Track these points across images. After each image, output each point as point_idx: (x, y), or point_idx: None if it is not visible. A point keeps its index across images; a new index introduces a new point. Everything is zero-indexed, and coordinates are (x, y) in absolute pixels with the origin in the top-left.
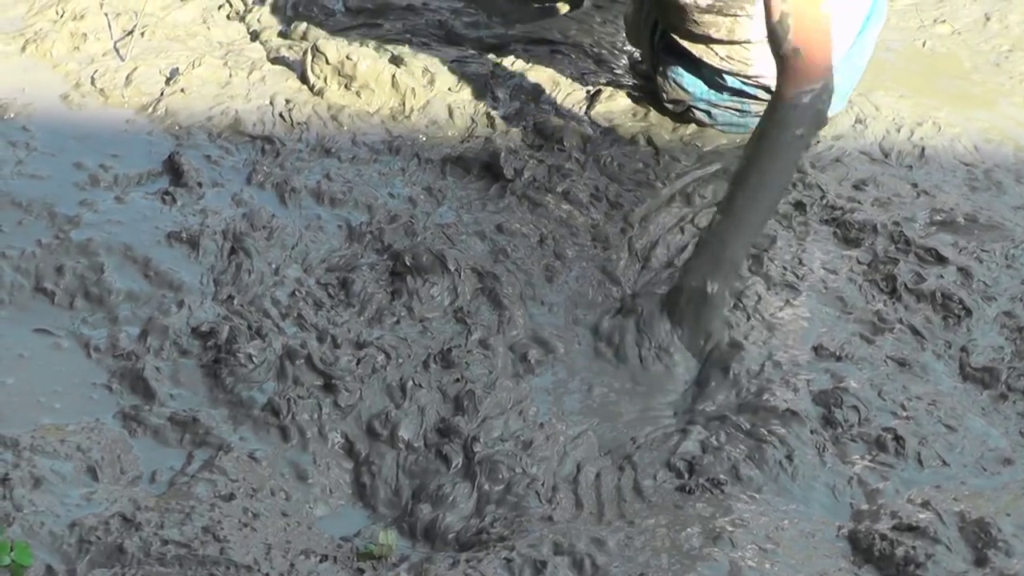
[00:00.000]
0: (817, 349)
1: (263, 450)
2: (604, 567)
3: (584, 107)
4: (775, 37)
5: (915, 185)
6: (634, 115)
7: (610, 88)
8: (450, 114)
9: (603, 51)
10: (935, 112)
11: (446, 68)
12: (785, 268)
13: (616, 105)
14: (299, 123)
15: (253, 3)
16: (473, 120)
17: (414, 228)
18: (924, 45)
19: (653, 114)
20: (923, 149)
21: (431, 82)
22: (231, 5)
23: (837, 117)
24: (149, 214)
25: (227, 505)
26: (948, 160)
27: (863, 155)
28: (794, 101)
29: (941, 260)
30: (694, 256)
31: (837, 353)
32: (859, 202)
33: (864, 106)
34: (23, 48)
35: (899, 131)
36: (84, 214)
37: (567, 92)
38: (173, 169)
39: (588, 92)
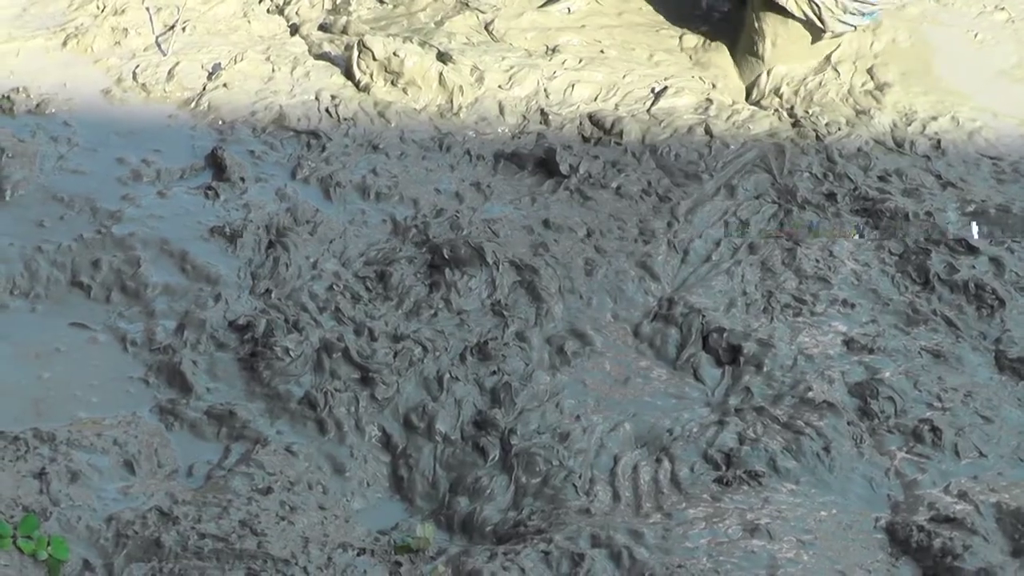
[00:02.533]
0: (850, 342)
1: (300, 443)
2: (642, 559)
3: (647, 102)
4: None
5: (939, 176)
6: (696, 109)
7: (676, 86)
8: (501, 111)
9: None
10: (959, 105)
11: (495, 65)
12: (818, 260)
13: (680, 100)
14: (346, 119)
15: None
16: (525, 117)
17: (459, 223)
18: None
19: (714, 106)
20: (939, 141)
21: (480, 79)
22: None
23: (853, 108)
24: (192, 209)
25: (264, 499)
26: (969, 153)
27: (879, 144)
28: None
29: (972, 251)
30: None
31: (870, 346)
32: (888, 193)
33: (890, 98)
34: (64, 43)
35: (912, 124)
36: (126, 209)
37: (627, 90)
38: (216, 164)
39: (653, 89)
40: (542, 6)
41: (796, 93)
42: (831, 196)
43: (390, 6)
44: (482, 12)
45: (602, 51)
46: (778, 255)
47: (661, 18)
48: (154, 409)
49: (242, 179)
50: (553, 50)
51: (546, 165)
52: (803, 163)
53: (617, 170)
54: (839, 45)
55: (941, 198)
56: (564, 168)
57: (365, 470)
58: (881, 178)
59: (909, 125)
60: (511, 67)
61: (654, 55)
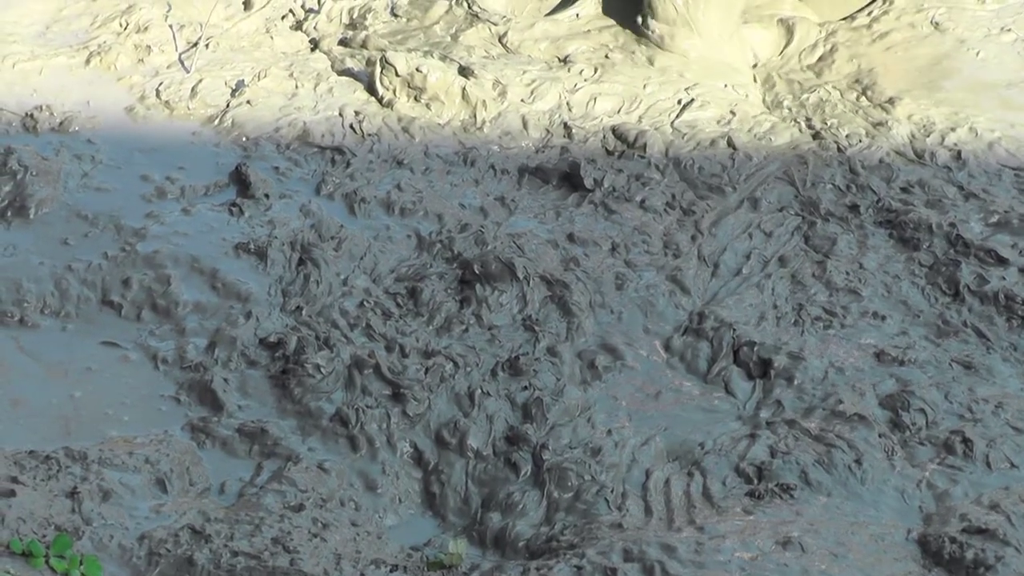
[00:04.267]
0: (880, 354)
1: (332, 460)
2: (675, 574)
3: (672, 115)
4: None
5: (961, 187)
6: (719, 121)
7: (701, 98)
8: (524, 125)
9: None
10: (975, 116)
11: (517, 79)
12: (848, 273)
13: (704, 113)
14: (370, 134)
15: (308, 12)
16: (548, 131)
17: (484, 237)
18: (978, 55)
19: (737, 118)
20: (959, 152)
21: (502, 94)
22: (294, 15)
23: (869, 122)
24: (216, 226)
25: (297, 516)
26: (990, 164)
27: (900, 155)
28: None
29: (1002, 261)
30: None
31: (901, 358)
32: (912, 204)
33: (903, 110)
34: (87, 61)
35: (930, 135)
36: (150, 226)
37: (650, 103)
38: (240, 180)
39: (679, 101)
40: (550, 14)
41: (803, 104)
42: (854, 208)
43: (404, 20)
44: (494, 24)
45: (607, 56)
46: (808, 268)
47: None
48: (186, 427)
49: (266, 195)
50: (565, 60)
51: (570, 179)
52: (826, 175)
53: (641, 183)
54: (835, 51)
55: (964, 209)
56: (588, 182)
57: (397, 486)
58: (904, 189)
59: (928, 136)
60: (532, 80)
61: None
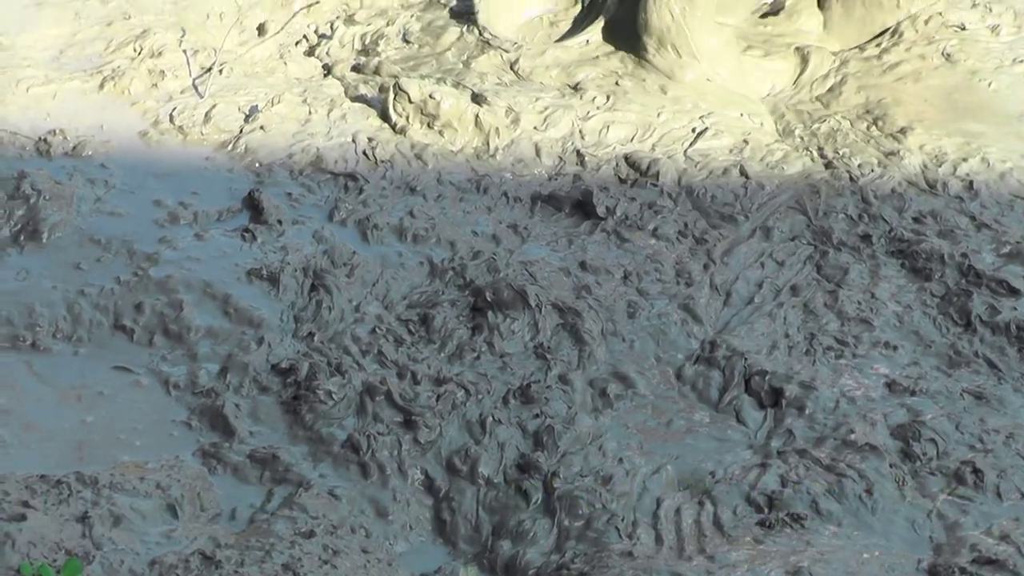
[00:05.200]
0: (892, 384)
1: (343, 487)
2: None
3: (685, 143)
4: None
5: (973, 218)
6: (731, 150)
7: (715, 127)
8: (537, 152)
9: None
10: (987, 147)
11: (530, 106)
12: (860, 303)
13: (717, 142)
14: (383, 161)
15: (321, 37)
16: (561, 159)
17: (497, 264)
18: (990, 86)
19: (750, 147)
20: (971, 183)
21: (515, 121)
22: (307, 40)
23: (883, 153)
24: (229, 251)
25: (307, 542)
26: (1002, 194)
27: (912, 185)
28: None
29: (1014, 292)
30: None
31: (912, 388)
32: (924, 234)
33: (914, 140)
34: (101, 86)
35: (942, 165)
36: (163, 251)
37: (664, 131)
38: (253, 206)
39: (693, 129)
40: (560, 40)
41: (815, 133)
42: (866, 237)
43: (416, 46)
44: (505, 51)
45: (617, 83)
46: (820, 297)
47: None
48: (197, 453)
49: (279, 221)
50: (576, 87)
51: (583, 207)
52: (838, 204)
53: (654, 212)
54: (846, 82)
55: (976, 239)
56: (601, 210)
57: (408, 513)
58: (916, 219)
59: (940, 167)
60: (545, 108)
61: (667, 90)
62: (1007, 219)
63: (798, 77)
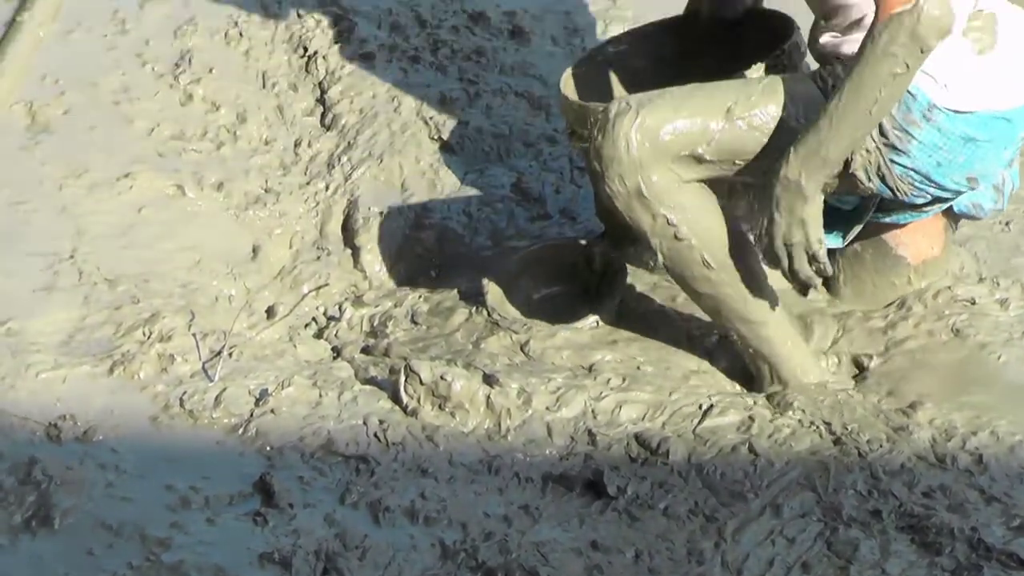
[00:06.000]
0: None
1: None
2: None
3: (694, 420)
4: None
5: (983, 491)
6: (739, 428)
7: (720, 405)
8: (549, 433)
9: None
10: (997, 420)
11: (542, 387)
12: None
13: (725, 419)
14: (394, 443)
15: (330, 319)
16: (573, 438)
17: (508, 546)
18: (999, 359)
19: (757, 424)
20: (980, 456)
21: (527, 402)
22: (316, 323)
23: (889, 427)
24: (241, 535)
25: None
26: (1011, 467)
27: (921, 460)
28: (887, 20)
29: (1023, 565)
30: (791, 151)
31: None
32: (934, 509)
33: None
34: (110, 370)
35: (952, 439)
36: (175, 536)
37: (674, 409)
38: (264, 490)
39: (700, 406)
40: (569, 322)
41: (820, 406)
42: (876, 513)
43: (425, 327)
44: (515, 332)
45: (639, 367)
46: (831, 574)
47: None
48: None
49: (290, 505)
50: (591, 368)
51: (594, 486)
52: (847, 480)
53: (664, 490)
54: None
55: (986, 513)
56: (612, 490)
57: None
58: (926, 494)
59: (949, 441)
60: (558, 388)
61: (690, 377)
62: (1016, 492)
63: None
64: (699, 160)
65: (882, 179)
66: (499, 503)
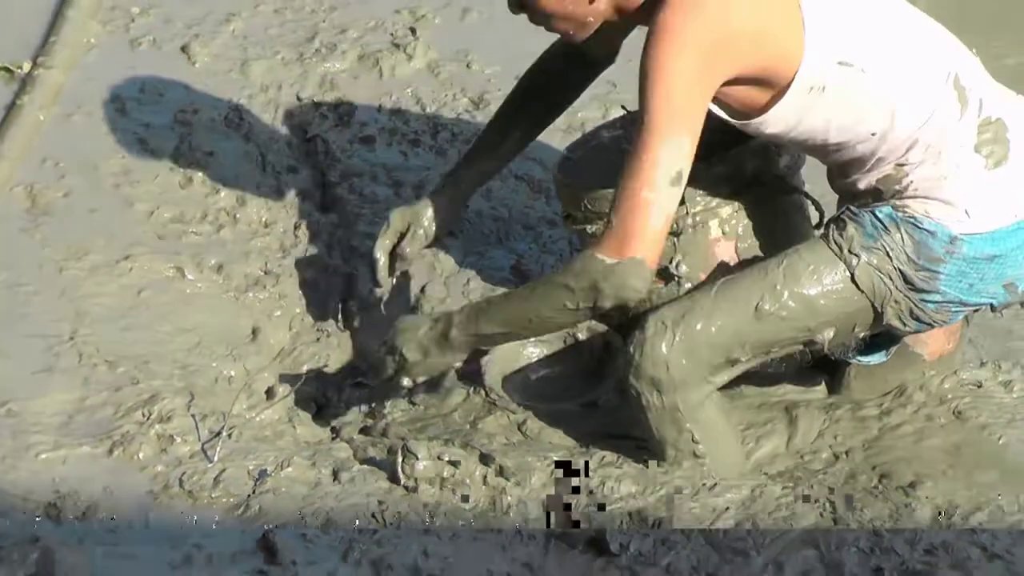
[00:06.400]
0: None
1: None
2: None
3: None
4: None
5: (985, 548)
6: (742, 504)
7: (724, 482)
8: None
9: None
10: (999, 499)
11: (539, 465)
12: None
13: (731, 496)
14: (391, 525)
15: (328, 400)
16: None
17: None
18: (1000, 440)
19: (761, 501)
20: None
21: (525, 480)
22: (316, 404)
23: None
24: None
25: None
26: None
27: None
28: (589, 257)
29: None
30: (464, 308)
31: None
32: (935, 566)
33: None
34: (110, 451)
35: (953, 517)
36: None
37: (671, 489)
38: (267, 548)
39: (704, 484)
40: (569, 400)
41: (821, 484)
42: (879, 571)
43: (422, 408)
44: (512, 412)
45: (637, 447)
46: None
47: None
48: None
49: (293, 562)
50: (588, 448)
51: (597, 544)
52: (850, 538)
53: (667, 547)
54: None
55: (988, 570)
56: (615, 547)
57: None
58: (928, 551)
59: (951, 517)
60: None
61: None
62: (1018, 549)
63: (788, 442)
64: (734, 363)
65: (918, 320)
66: (502, 560)
